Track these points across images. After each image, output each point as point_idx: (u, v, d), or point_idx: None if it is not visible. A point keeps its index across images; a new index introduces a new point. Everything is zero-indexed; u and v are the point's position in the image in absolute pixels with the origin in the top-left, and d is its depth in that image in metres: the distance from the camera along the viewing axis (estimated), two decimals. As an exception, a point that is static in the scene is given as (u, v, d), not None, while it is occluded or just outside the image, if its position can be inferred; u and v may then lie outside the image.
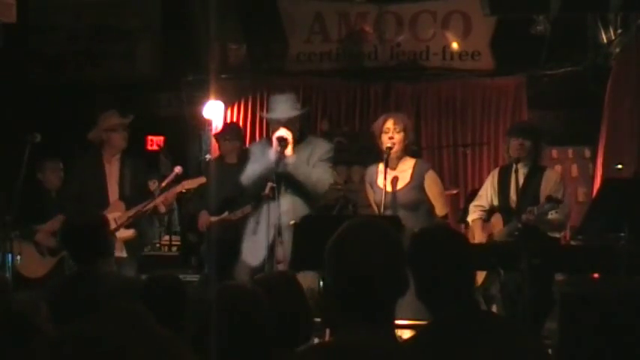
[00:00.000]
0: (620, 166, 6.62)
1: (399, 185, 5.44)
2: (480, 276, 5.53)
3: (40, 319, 2.48)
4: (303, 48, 8.99)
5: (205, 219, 6.52)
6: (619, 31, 7.93)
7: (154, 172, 7.64)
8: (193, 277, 6.48)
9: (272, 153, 5.40)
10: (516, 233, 5.29)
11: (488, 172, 6.42)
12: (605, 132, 7.78)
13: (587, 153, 8.50)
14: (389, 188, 5.39)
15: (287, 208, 5.41)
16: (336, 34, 8.96)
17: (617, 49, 7.88)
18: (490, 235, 5.70)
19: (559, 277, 5.88)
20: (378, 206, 5.38)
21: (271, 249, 5.31)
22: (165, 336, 1.43)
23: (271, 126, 5.72)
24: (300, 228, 4.81)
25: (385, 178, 5.36)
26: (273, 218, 5.34)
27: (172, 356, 1.43)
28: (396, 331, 2.27)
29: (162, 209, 6.18)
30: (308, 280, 4.72)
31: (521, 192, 5.46)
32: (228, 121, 8.70)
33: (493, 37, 8.59)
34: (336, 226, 2.13)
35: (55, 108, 8.92)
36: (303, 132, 5.65)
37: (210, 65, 8.57)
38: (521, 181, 5.51)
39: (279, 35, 8.98)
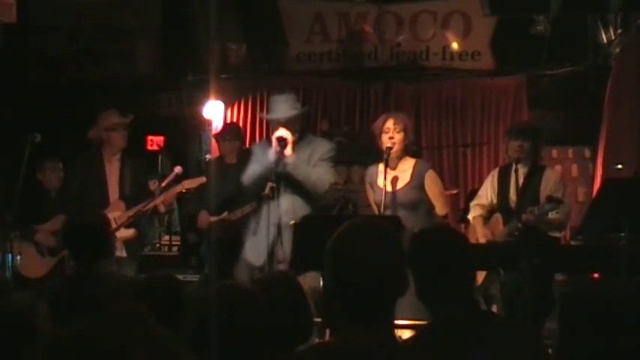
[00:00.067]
0: (620, 166, 6.62)
1: (399, 185, 5.44)
2: (480, 276, 5.53)
3: (39, 319, 2.48)
4: (303, 48, 8.99)
5: (205, 219, 6.52)
6: (619, 31, 7.93)
7: (154, 172, 7.64)
8: (193, 277, 6.48)
9: (271, 153, 5.40)
10: (516, 233, 5.29)
11: (488, 172, 6.42)
12: (605, 132, 7.78)
13: (587, 153, 8.50)
14: (389, 188, 5.40)
15: (286, 207, 5.41)
16: (336, 34, 8.96)
17: (617, 49, 7.88)
18: (491, 235, 5.69)
19: (559, 277, 5.88)
20: (378, 206, 5.38)
21: (272, 249, 5.32)
22: (165, 336, 1.43)
23: (271, 126, 5.73)
24: (300, 228, 4.81)
25: (385, 178, 5.36)
26: (274, 218, 5.35)
27: (172, 356, 1.42)
28: (396, 331, 2.27)
29: (162, 209, 6.18)
30: (310, 279, 4.73)
31: (520, 192, 5.46)
32: (228, 121, 8.70)
33: (493, 37, 8.59)
34: (336, 226, 2.13)
35: (55, 108, 8.91)
36: (303, 131, 5.65)
37: (210, 65, 8.56)
38: (520, 180, 5.51)
39: (279, 35, 8.98)
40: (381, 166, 5.43)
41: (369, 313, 2.01)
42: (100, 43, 9.48)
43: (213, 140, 7.85)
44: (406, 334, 3.98)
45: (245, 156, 6.68)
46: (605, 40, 8.18)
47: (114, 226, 5.67)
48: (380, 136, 5.46)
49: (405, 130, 5.46)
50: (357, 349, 1.92)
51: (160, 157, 8.41)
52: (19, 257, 6.34)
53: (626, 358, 2.85)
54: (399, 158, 5.48)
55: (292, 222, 5.13)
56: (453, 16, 8.72)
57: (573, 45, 8.39)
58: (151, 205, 6.02)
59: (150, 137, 9.13)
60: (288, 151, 5.38)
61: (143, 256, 6.60)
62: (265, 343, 2.43)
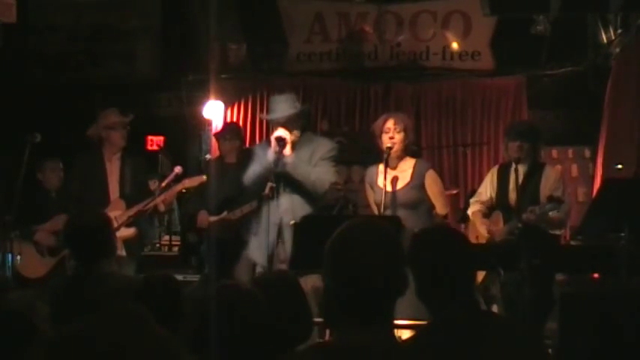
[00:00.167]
0: (620, 166, 6.62)
1: (399, 185, 5.44)
2: (480, 275, 5.54)
3: (37, 319, 2.48)
4: (303, 48, 8.99)
5: (204, 219, 6.52)
6: (619, 31, 7.93)
7: (154, 172, 7.64)
8: (193, 277, 6.48)
9: (270, 153, 5.41)
10: (516, 231, 5.29)
11: (488, 172, 6.42)
12: (605, 132, 7.78)
13: (587, 153, 8.51)
14: (389, 188, 5.40)
15: (286, 207, 5.42)
16: (336, 34, 8.96)
17: (617, 49, 7.88)
18: (490, 232, 5.69)
19: (559, 277, 5.88)
20: (378, 206, 5.38)
21: (273, 249, 5.33)
22: (165, 336, 1.43)
23: (271, 126, 5.73)
24: (300, 228, 4.82)
25: (385, 178, 5.36)
26: (274, 218, 5.36)
27: (171, 356, 1.43)
28: (395, 331, 2.27)
29: (162, 208, 6.18)
30: (312, 279, 4.73)
31: (520, 190, 5.46)
32: (228, 121, 8.70)
33: (493, 37, 8.59)
34: (336, 226, 2.13)
35: (55, 108, 8.92)
36: (305, 130, 5.63)
37: (210, 65, 8.56)
38: (520, 179, 5.51)
39: (279, 35, 8.98)
40: (381, 167, 5.43)
41: (369, 313, 2.01)
42: (100, 43, 9.48)
43: (214, 140, 7.86)
44: (406, 334, 3.98)
45: (245, 156, 6.68)
46: (605, 40, 8.18)
47: (114, 225, 5.67)
48: (380, 136, 5.47)
49: (405, 130, 5.46)
50: (357, 349, 1.92)
51: (159, 157, 8.41)
52: (19, 257, 6.34)
53: (626, 357, 2.85)
54: (399, 158, 5.48)
55: (292, 222, 5.14)
56: (453, 16, 8.72)
57: (573, 45, 8.39)
58: (152, 204, 6.02)
59: (150, 137, 9.14)
60: (287, 150, 5.38)
61: (143, 256, 6.60)
62: (265, 342, 2.43)
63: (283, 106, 5.56)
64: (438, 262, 2.57)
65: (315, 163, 5.48)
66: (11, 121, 8.25)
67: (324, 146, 5.60)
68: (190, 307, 3.19)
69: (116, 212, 5.89)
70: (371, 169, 5.66)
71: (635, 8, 7.01)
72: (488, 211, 5.80)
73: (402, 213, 5.24)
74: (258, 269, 5.45)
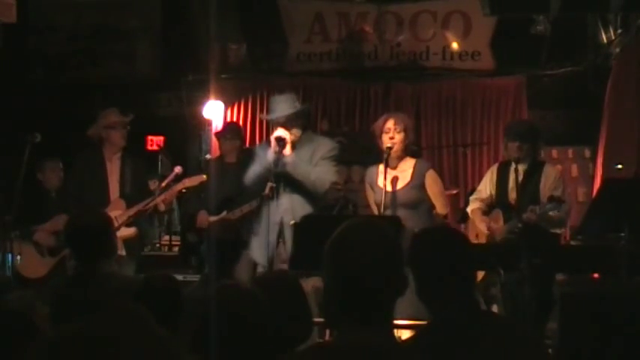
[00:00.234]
0: (620, 166, 6.62)
1: (400, 185, 5.45)
2: (480, 275, 5.54)
3: (37, 319, 2.48)
4: (303, 48, 8.99)
5: (204, 219, 6.52)
6: (619, 31, 7.93)
7: (154, 172, 7.64)
8: (193, 277, 6.47)
9: (270, 153, 5.41)
10: (517, 230, 5.29)
11: (488, 170, 6.42)
12: (605, 132, 7.78)
13: (587, 153, 8.50)
14: (389, 188, 5.40)
15: (286, 207, 5.42)
16: (336, 34, 8.96)
17: (617, 49, 7.88)
18: (490, 229, 5.68)
19: (559, 277, 5.88)
20: (378, 206, 5.39)
21: (274, 248, 5.34)
22: (164, 336, 1.43)
23: (271, 126, 5.74)
24: (300, 228, 4.82)
25: (385, 178, 5.36)
26: (276, 218, 5.36)
27: (172, 357, 1.42)
28: (395, 331, 2.27)
29: (162, 208, 6.18)
30: (314, 279, 4.74)
31: (520, 189, 5.47)
32: (229, 121, 8.70)
33: (493, 37, 8.59)
34: (336, 226, 2.13)
35: (55, 108, 8.91)
36: (305, 129, 5.62)
37: (210, 65, 8.56)
38: (520, 178, 5.52)
39: (279, 35, 8.98)
40: (382, 167, 5.44)
41: (368, 313, 2.01)
42: (100, 43, 9.48)
43: (214, 139, 7.85)
44: (406, 334, 3.98)
45: (245, 155, 6.68)
46: (605, 40, 8.18)
47: (115, 225, 5.67)
48: (380, 136, 5.47)
49: (405, 130, 5.46)
50: (357, 350, 1.92)
51: (160, 157, 8.41)
52: (19, 257, 6.33)
53: (626, 357, 2.85)
54: (400, 158, 5.48)
55: (292, 222, 5.14)
56: (453, 16, 8.72)
57: (573, 45, 8.39)
58: (152, 203, 6.02)
59: (150, 137, 9.13)
60: (287, 150, 5.38)
61: (143, 256, 6.60)
62: (265, 343, 2.43)
63: (283, 106, 5.56)
64: (438, 262, 2.57)
65: (316, 163, 5.48)
66: (11, 121, 8.25)
67: (324, 146, 5.60)
68: (190, 307, 3.20)
69: (116, 212, 5.89)
70: (371, 169, 5.66)
71: (635, 8, 7.02)
72: (488, 208, 5.80)
73: (402, 213, 5.24)
74: (260, 269, 5.45)
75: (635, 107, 7.32)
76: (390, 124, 5.46)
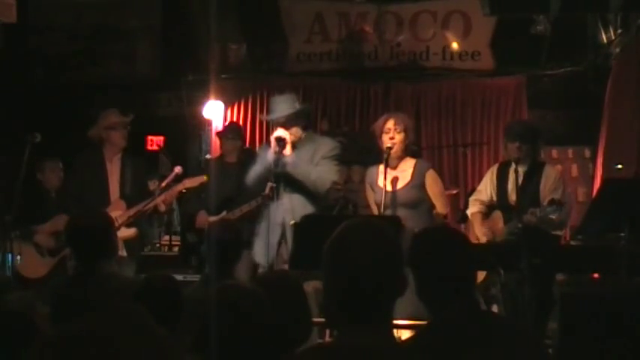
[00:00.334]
0: (620, 166, 6.62)
1: (400, 185, 5.45)
2: (480, 275, 5.54)
3: (37, 319, 2.48)
4: (303, 48, 8.99)
5: (203, 219, 6.52)
6: (619, 31, 7.93)
7: (154, 172, 7.64)
8: (193, 277, 6.48)
9: (270, 153, 5.41)
10: (517, 232, 5.29)
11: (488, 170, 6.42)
12: (605, 132, 7.78)
13: (587, 153, 8.51)
14: (389, 188, 5.40)
15: (287, 207, 5.42)
16: (336, 34, 8.96)
17: (617, 49, 7.88)
18: (490, 232, 5.69)
19: (559, 277, 5.88)
20: (378, 206, 5.38)
21: (277, 249, 5.34)
22: (164, 336, 1.43)
23: (271, 126, 5.74)
24: (300, 228, 4.82)
25: (385, 178, 5.36)
26: (278, 218, 5.36)
27: (171, 356, 1.43)
28: (395, 331, 2.27)
29: (163, 208, 6.18)
30: (315, 280, 4.73)
31: (520, 190, 5.47)
32: (229, 121, 8.70)
33: (493, 37, 8.59)
34: (336, 226, 2.13)
35: (55, 108, 8.92)
36: (306, 129, 5.62)
37: (210, 65, 8.56)
38: (520, 179, 5.52)
39: (279, 35, 8.98)
40: (382, 167, 5.44)
41: (368, 313, 2.01)
42: (100, 43, 9.48)
43: (214, 139, 7.85)
44: (406, 334, 3.98)
45: (245, 156, 6.68)
46: (605, 40, 8.18)
47: (115, 225, 5.67)
48: (380, 136, 5.47)
49: (405, 130, 5.46)
50: (357, 350, 1.92)
51: (160, 157, 8.41)
52: (19, 257, 6.33)
53: (626, 357, 2.85)
54: (400, 158, 5.48)
55: (292, 222, 5.14)
56: (453, 16, 8.72)
57: (573, 45, 8.39)
58: (152, 204, 6.02)
59: (150, 137, 9.13)
60: (287, 150, 5.38)
61: (143, 256, 6.60)
62: (267, 343, 2.43)
63: (282, 106, 5.56)
64: (438, 262, 2.57)
65: (317, 162, 5.48)
66: (11, 121, 8.25)
67: (326, 145, 5.60)
68: (191, 307, 3.20)
69: (117, 212, 5.89)
70: (371, 170, 5.66)
71: (635, 8, 7.01)
72: (488, 210, 5.80)
73: (402, 213, 5.24)
74: (261, 270, 5.45)
75: (635, 107, 7.31)
76: (390, 124, 5.46)
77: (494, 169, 5.92)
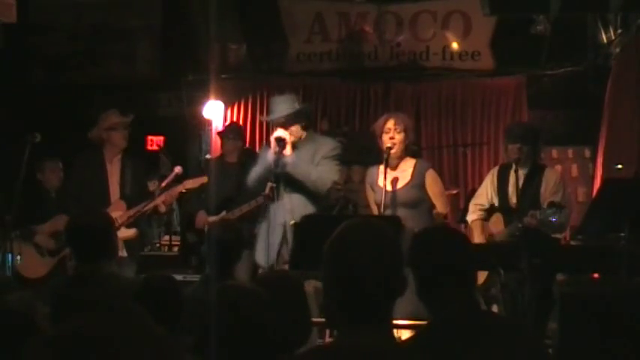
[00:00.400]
0: (620, 166, 6.62)
1: (400, 184, 5.45)
2: (482, 276, 5.54)
3: (38, 318, 2.48)
4: (303, 48, 8.99)
5: (203, 219, 6.52)
6: (619, 31, 7.93)
7: (154, 172, 7.64)
8: (193, 277, 6.48)
9: (270, 154, 5.41)
10: (517, 234, 5.29)
11: (488, 172, 6.42)
12: (605, 132, 7.78)
13: (587, 153, 8.50)
14: (389, 188, 5.40)
15: (287, 208, 5.41)
16: (336, 34, 8.96)
17: (617, 49, 7.88)
18: (490, 236, 5.70)
19: (559, 277, 5.88)
20: (379, 206, 5.38)
21: (279, 249, 5.34)
22: (162, 335, 1.43)
23: (271, 127, 5.74)
24: (300, 228, 4.81)
25: (385, 178, 5.37)
26: (280, 218, 5.36)
27: (170, 356, 1.43)
28: (395, 331, 2.27)
29: (163, 209, 6.18)
30: (316, 280, 4.73)
31: (520, 192, 5.47)
32: (228, 121, 8.70)
33: (493, 37, 8.59)
34: (336, 226, 2.13)
35: (55, 108, 8.92)
36: (307, 129, 5.61)
37: (210, 65, 8.57)
38: (520, 181, 5.52)
39: (279, 35, 8.98)
40: (382, 167, 5.44)
41: (367, 313, 2.01)
42: (100, 43, 9.48)
43: (215, 139, 7.85)
44: (406, 334, 3.98)
45: (245, 156, 6.69)
46: (605, 40, 8.18)
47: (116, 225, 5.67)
48: (380, 136, 5.47)
49: (405, 130, 5.46)
50: (357, 351, 1.92)
51: (160, 157, 8.41)
52: (19, 257, 6.33)
53: (626, 357, 2.85)
54: (400, 158, 5.48)
55: (292, 222, 5.14)
56: (452, 16, 8.72)
57: (573, 45, 8.39)
58: (152, 204, 6.03)
59: (150, 137, 9.14)
60: (287, 151, 5.38)
61: (143, 256, 6.60)
62: (268, 343, 2.42)
63: (282, 106, 5.56)
64: (438, 262, 2.57)
65: (318, 162, 5.47)
66: (11, 121, 8.25)
67: (326, 145, 5.59)
68: (191, 308, 3.20)
69: (117, 213, 5.89)
70: (372, 170, 5.66)
71: (635, 8, 7.02)
72: (488, 214, 5.80)
73: (402, 212, 5.24)
74: (261, 271, 5.44)
75: (635, 107, 7.31)
76: (390, 124, 5.46)
77: (494, 171, 5.91)
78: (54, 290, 3.87)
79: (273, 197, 5.35)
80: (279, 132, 5.41)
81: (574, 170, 8.57)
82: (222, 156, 6.97)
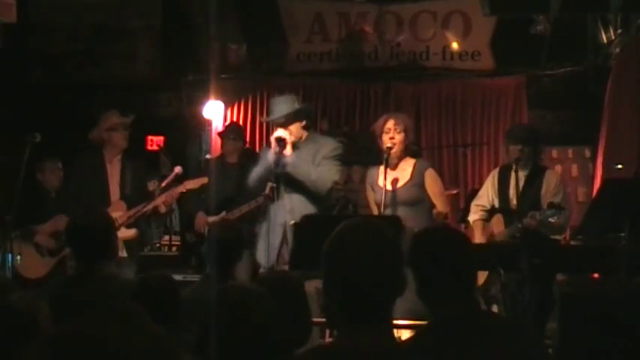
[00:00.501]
0: (620, 166, 6.61)
1: (400, 184, 5.46)
2: (482, 276, 5.54)
3: (40, 318, 2.48)
4: (303, 48, 8.99)
5: (202, 220, 6.52)
6: (619, 31, 7.93)
7: (154, 172, 7.64)
8: (193, 277, 6.48)
9: (270, 154, 5.41)
10: (517, 235, 5.30)
11: (489, 172, 6.43)
12: (605, 132, 7.78)
13: (587, 153, 8.50)
14: (389, 187, 5.41)
15: (287, 208, 5.41)
16: (336, 34, 8.96)
17: (617, 49, 7.88)
18: (491, 236, 5.71)
19: (559, 277, 5.88)
20: (379, 206, 5.39)
21: (280, 249, 5.34)
22: (160, 335, 1.43)
23: (271, 127, 5.74)
24: (300, 228, 4.82)
25: (385, 178, 5.37)
26: (280, 218, 5.36)
27: (168, 355, 1.43)
28: (395, 331, 2.27)
29: (163, 209, 6.18)
30: (317, 280, 4.73)
31: (521, 194, 5.47)
32: (228, 121, 8.70)
33: (493, 37, 8.59)
34: (336, 226, 2.13)
35: (55, 108, 8.91)
36: (308, 129, 5.60)
37: (210, 65, 8.56)
38: (521, 182, 5.52)
39: (279, 35, 8.98)
40: (382, 168, 5.44)
41: (367, 313, 2.01)
42: (100, 43, 9.47)
43: (215, 139, 7.85)
44: (406, 334, 3.98)
45: (246, 156, 6.69)
46: (605, 40, 8.18)
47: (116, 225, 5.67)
48: (380, 136, 5.48)
49: (405, 130, 5.47)
50: (357, 351, 1.92)
51: (160, 157, 8.41)
52: (19, 257, 6.33)
53: (626, 358, 2.85)
54: (400, 158, 5.49)
55: (292, 222, 5.14)
56: (452, 16, 8.72)
57: (573, 45, 8.38)
58: (152, 205, 6.03)
59: (150, 137, 9.13)
60: (287, 151, 5.38)
61: (143, 257, 6.60)
62: (269, 343, 2.42)
63: (282, 107, 5.56)
64: (438, 262, 2.57)
65: (319, 163, 5.47)
66: (11, 121, 8.25)
67: (327, 146, 5.59)
68: (191, 308, 3.19)
69: (117, 213, 5.89)
70: (372, 170, 5.66)
71: (635, 8, 7.01)
72: (489, 215, 5.81)
73: (402, 211, 5.25)
74: (262, 271, 5.44)
75: (635, 107, 7.31)
76: (390, 124, 5.46)
77: (495, 172, 5.92)
78: (53, 290, 3.87)
79: (273, 197, 5.35)
80: (280, 132, 5.41)
81: (574, 170, 8.56)
82: (222, 156, 6.97)
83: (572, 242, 6.70)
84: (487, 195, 5.83)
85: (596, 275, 5.72)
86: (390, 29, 8.83)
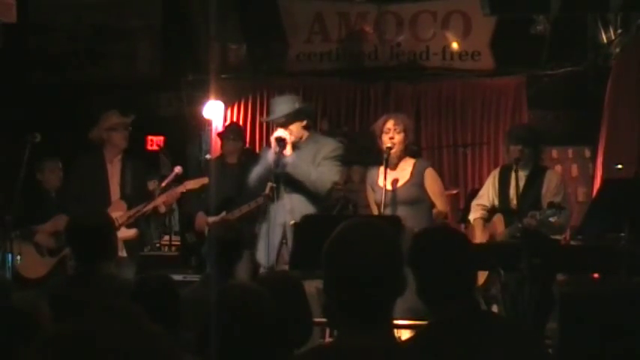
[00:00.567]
0: (620, 166, 6.62)
1: (399, 183, 5.46)
2: (482, 277, 5.54)
3: (41, 318, 2.48)
4: (303, 48, 8.99)
5: (202, 221, 6.52)
6: (619, 31, 7.93)
7: (154, 172, 7.64)
8: (193, 277, 6.48)
9: (270, 154, 5.41)
10: (517, 235, 5.30)
11: (489, 172, 6.43)
12: (605, 132, 7.78)
13: (587, 153, 8.50)
14: (389, 187, 5.41)
15: (287, 208, 5.41)
16: (336, 34, 8.96)
17: (617, 49, 7.88)
18: (491, 236, 5.71)
19: (559, 277, 5.88)
20: (379, 206, 5.39)
21: (279, 249, 5.34)
22: (159, 334, 1.43)
23: (271, 127, 5.74)
24: (300, 228, 4.82)
25: (385, 178, 5.37)
26: (280, 218, 5.36)
27: (168, 355, 1.43)
28: (395, 331, 2.27)
29: (163, 209, 6.18)
30: (317, 280, 4.73)
31: (521, 194, 5.47)
32: (228, 121, 8.70)
33: (493, 37, 8.59)
34: (336, 226, 2.13)
35: (55, 108, 8.92)
36: (309, 129, 5.60)
37: (210, 65, 8.56)
38: (522, 182, 5.52)
39: (279, 35, 8.98)
40: (382, 168, 5.45)
41: (367, 313, 2.01)
42: (100, 43, 9.48)
43: (215, 139, 7.85)
44: (406, 334, 3.98)
45: (246, 156, 6.69)
46: (605, 40, 8.18)
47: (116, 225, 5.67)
48: (380, 137, 5.48)
49: (405, 130, 5.47)
50: (357, 351, 1.92)
51: (160, 157, 8.41)
52: (19, 257, 6.33)
53: (626, 358, 2.85)
54: (400, 158, 5.50)
55: (292, 222, 5.14)
56: (452, 16, 8.72)
57: (573, 45, 8.38)
58: (152, 205, 6.03)
59: (150, 137, 9.13)
60: (287, 151, 5.38)
61: (143, 257, 6.60)
62: (270, 343, 2.42)
63: (282, 107, 5.56)
64: (438, 262, 2.57)
65: (319, 163, 5.47)
66: (11, 121, 8.25)
67: (328, 146, 5.59)
68: (190, 308, 3.19)
69: (117, 213, 5.89)
70: (372, 171, 5.66)
71: (635, 8, 7.01)
72: (490, 214, 5.81)
73: (402, 210, 5.25)
74: (262, 271, 5.44)
75: (635, 107, 7.32)
76: (390, 124, 5.47)
77: (495, 173, 5.92)
78: (53, 290, 3.87)
79: (273, 197, 5.35)
80: (280, 132, 5.41)
81: (574, 170, 8.56)
82: (222, 156, 6.97)
83: (572, 242, 6.70)
84: (487, 195, 5.83)
85: (596, 275, 5.72)
86: (390, 29, 8.83)
